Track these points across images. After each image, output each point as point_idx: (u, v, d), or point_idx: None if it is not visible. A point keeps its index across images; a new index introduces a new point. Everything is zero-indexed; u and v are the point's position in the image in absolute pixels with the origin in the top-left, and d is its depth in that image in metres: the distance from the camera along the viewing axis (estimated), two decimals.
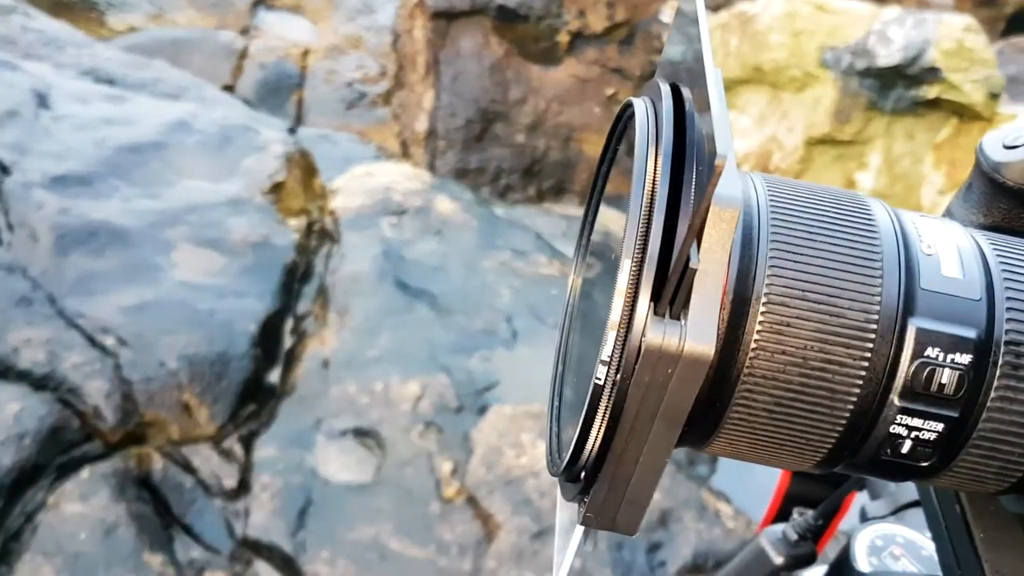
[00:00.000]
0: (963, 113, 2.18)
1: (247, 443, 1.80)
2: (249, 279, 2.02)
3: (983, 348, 0.32)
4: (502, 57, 2.82)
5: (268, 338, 1.94)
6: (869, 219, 0.33)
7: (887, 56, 2.17)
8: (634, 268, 0.30)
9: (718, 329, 0.31)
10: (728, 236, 0.29)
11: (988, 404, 0.32)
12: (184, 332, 1.87)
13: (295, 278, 2.08)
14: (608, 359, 0.30)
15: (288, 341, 1.98)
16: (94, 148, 2.27)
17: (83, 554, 1.44)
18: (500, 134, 2.87)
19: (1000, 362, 0.32)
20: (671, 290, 0.28)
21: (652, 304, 0.29)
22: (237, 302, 1.96)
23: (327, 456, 1.76)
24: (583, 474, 0.32)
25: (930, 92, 2.17)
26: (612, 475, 0.31)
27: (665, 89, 0.34)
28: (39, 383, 1.69)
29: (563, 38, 2.85)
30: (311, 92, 3.34)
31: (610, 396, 0.30)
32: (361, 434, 1.78)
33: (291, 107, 3.28)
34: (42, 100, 2.40)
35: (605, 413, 0.30)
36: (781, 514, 0.52)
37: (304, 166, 2.38)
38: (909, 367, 0.32)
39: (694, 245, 0.28)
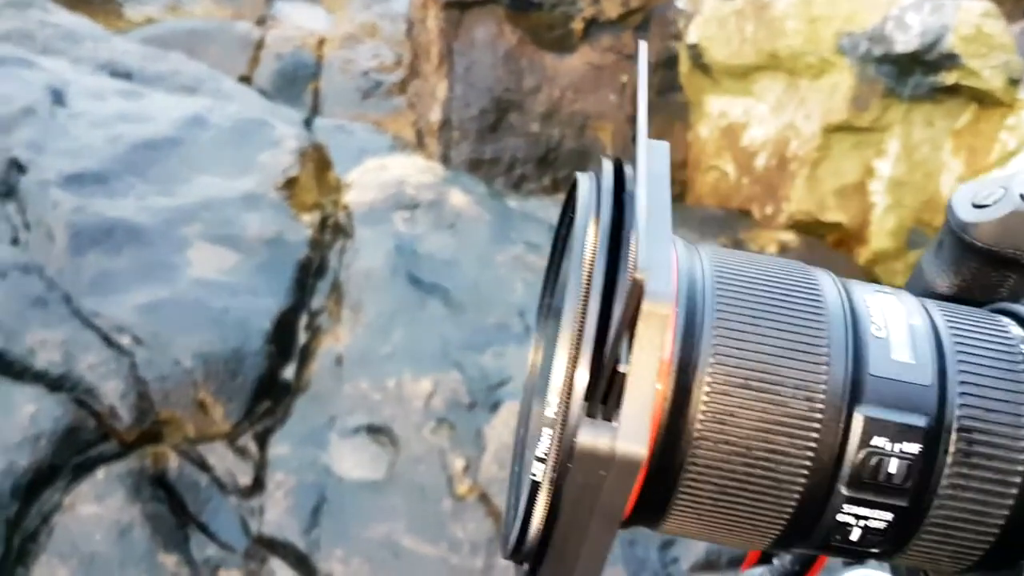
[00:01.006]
0: (983, 99, 2.14)
1: (262, 440, 1.82)
2: (263, 276, 2.03)
3: (933, 435, 0.31)
4: (516, 46, 2.80)
5: (282, 335, 1.95)
6: (817, 301, 0.33)
7: (905, 42, 2.13)
8: (568, 367, 0.29)
9: (660, 423, 0.31)
10: (660, 335, 0.28)
11: (939, 492, 0.32)
12: (199, 330, 1.89)
13: (309, 274, 2.09)
14: (544, 456, 0.29)
15: (303, 337, 1.99)
16: (109, 145, 2.28)
17: (98, 555, 1.46)
18: (514, 123, 2.85)
19: (952, 450, 0.31)
20: (602, 392, 0.28)
21: (585, 404, 0.29)
22: (251, 299, 1.97)
23: (340, 453, 1.77)
24: (528, 562, 0.32)
25: (949, 78, 2.13)
26: (554, 568, 0.31)
27: (607, 165, 0.34)
28: (55, 384, 1.71)
29: (577, 25, 2.83)
30: (327, 82, 3.34)
31: (548, 492, 0.30)
32: (374, 431, 1.79)
33: (307, 97, 3.28)
34: (58, 97, 2.42)
35: (544, 508, 0.30)
36: (764, 556, 0.51)
37: (318, 160, 2.39)
38: (856, 456, 0.31)
39: (625, 346, 0.28)
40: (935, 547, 0.32)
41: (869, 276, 2.41)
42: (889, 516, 0.31)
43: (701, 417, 0.31)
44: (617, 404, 0.28)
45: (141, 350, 1.84)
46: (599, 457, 0.28)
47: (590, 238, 0.31)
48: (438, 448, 1.76)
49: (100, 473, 1.63)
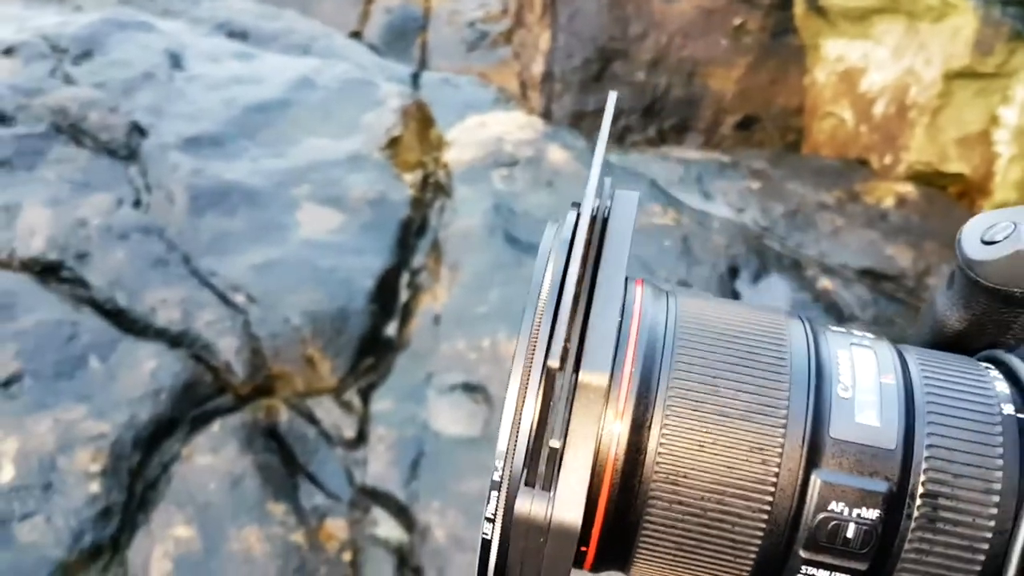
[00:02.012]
0: None
1: (365, 395, 1.90)
2: (367, 236, 2.09)
3: (895, 501, 0.31)
4: None
5: (385, 293, 2.01)
6: (780, 360, 0.33)
7: None
8: (512, 436, 0.30)
9: (612, 482, 0.31)
10: (597, 406, 0.29)
11: (902, 556, 0.31)
12: (307, 289, 1.97)
13: (410, 233, 2.14)
14: (492, 517, 0.31)
15: (404, 296, 2.05)
16: (224, 108, 2.38)
17: (212, 504, 1.57)
18: (619, 73, 2.81)
19: (915, 515, 0.31)
20: (538, 464, 0.29)
21: (525, 472, 0.30)
22: (356, 259, 2.04)
23: (438, 410, 1.83)
24: None
25: None
26: None
27: (569, 217, 0.34)
28: (174, 340, 1.83)
29: None
30: (435, 34, 3.36)
31: (496, 551, 0.31)
32: (470, 389, 1.84)
33: (416, 51, 3.31)
34: (176, 61, 2.53)
35: (496, 565, 0.31)
36: None
37: (421, 118, 2.42)
38: (812, 521, 0.31)
39: (562, 417, 0.29)
40: None
41: None
42: None
43: (654, 477, 0.31)
44: (556, 472, 0.29)
45: (254, 308, 1.93)
46: (535, 524, 0.29)
47: (540, 299, 0.32)
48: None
49: (216, 425, 1.73)
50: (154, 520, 1.54)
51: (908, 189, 2.42)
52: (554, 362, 0.27)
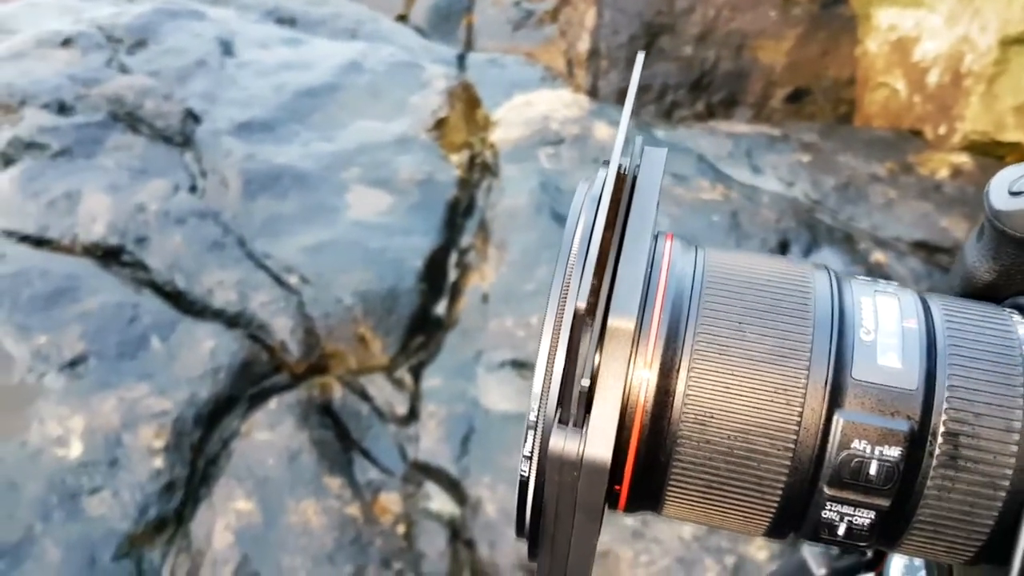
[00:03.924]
0: None
1: (416, 373, 1.93)
2: (415, 216, 2.12)
3: (917, 439, 0.32)
4: None
5: (433, 273, 2.04)
6: (804, 305, 0.34)
7: None
8: (546, 379, 0.32)
9: (642, 423, 0.33)
10: (625, 349, 0.30)
11: (924, 493, 0.32)
12: (358, 269, 2.01)
13: (458, 213, 2.16)
14: (528, 455, 0.33)
15: (452, 275, 2.07)
16: (274, 94, 2.42)
17: (270, 478, 1.62)
18: (666, 47, 2.79)
19: (936, 452, 0.32)
20: (571, 402, 0.31)
21: (558, 410, 0.31)
22: (405, 239, 2.07)
23: (487, 386, 1.85)
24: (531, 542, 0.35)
25: None
26: (551, 551, 0.34)
27: (599, 175, 0.36)
28: (231, 321, 1.88)
29: None
30: (480, 15, 3.36)
31: (533, 488, 0.33)
32: (518, 366, 1.86)
33: (461, 32, 3.32)
34: (227, 48, 2.58)
35: (531, 502, 0.33)
36: None
37: (467, 99, 2.44)
38: (835, 459, 0.32)
39: (593, 357, 0.30)
40: (927, 543, 0.33)
41: None
42: (872, 515, 0.32)
43: (683, 419, 0.33)
44: (587, 411, 0.31)
45: (307, 288, 1.97)
46: (568, 461, 0.30)
47: (572, 249, 0.33)
48: None
49: (272, 403, 1.78)
50: (215, 494, 1.59)
51: (963, 159, 2.37)
52: (582, 303, 0.29)
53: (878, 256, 2.15)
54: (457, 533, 1.69)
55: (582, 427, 0.31)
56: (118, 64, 2.48)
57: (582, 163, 2.17)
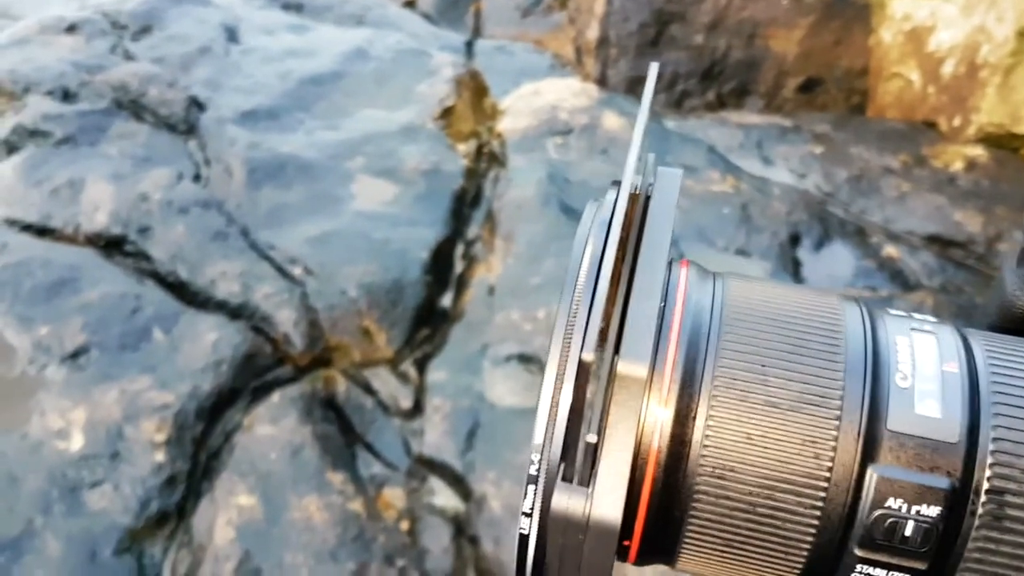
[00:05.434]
0: None
1: (421, 366, 1.91)
2: (421, 207, 2.09)
3: (958, 497, 0.29)
4: None
5: (439, 265, 2.02)
6: (835, 347, 0.31)
7: None
8: (548, 429, 0.30)
9: (655, 476, 0.30)
10: (636, 398, 0.28)
11: (965, 555, 0.30)
12: (362, 261, 1.98)
13: (464, 204, 2.13)
14: (529, 512, 0.30)
15: (459, 267, 2.05)
16: (279, 81, 2.40)
17: (273, 472, 1.60)
18: (676, 36, 2.75)
19: (979, 512, 0.29)
20: (576, 458, 0.28)
21: (561, 464, 0.29)
22: (410, 230, 2.05)
23: (493, 380, 1.83)
24: None
25: None
26: None
27: (608, 196, 0.33)
28: (234, 313, 1.86)
29: None
30: (489, 1, 3.32)
31: (534, 547, 0.30)
32: (525, 360, 1.84)
33: (469, 19, 3.29)
34: (231, 35, 2.55)
35: (533, 561, 0.31)
36: None
37: (474, 88, 2.40)
38: (868, 518, 0.30)
39: (598, 411, 0.28)
40: None
41: None
42: None
43: (699, 471, 0.30)
44: (594, 467, 0.28)
45: (311, 280, 1.95)
46: (573, 522, 0.28)
47: (576, 284, 0.31)
48: None
49: (275, 396, 1.76)
50: (217, 488, 1.58)
51: (978, 152, 2.34)
52: (588, 356, 0.26)
53: (890, 250, 2.12)
54: (462, 529, 1.67)
55: (588, 485, 0.28)
56: (122, 51, 2.45)
57: (591, 153, 2.14)
